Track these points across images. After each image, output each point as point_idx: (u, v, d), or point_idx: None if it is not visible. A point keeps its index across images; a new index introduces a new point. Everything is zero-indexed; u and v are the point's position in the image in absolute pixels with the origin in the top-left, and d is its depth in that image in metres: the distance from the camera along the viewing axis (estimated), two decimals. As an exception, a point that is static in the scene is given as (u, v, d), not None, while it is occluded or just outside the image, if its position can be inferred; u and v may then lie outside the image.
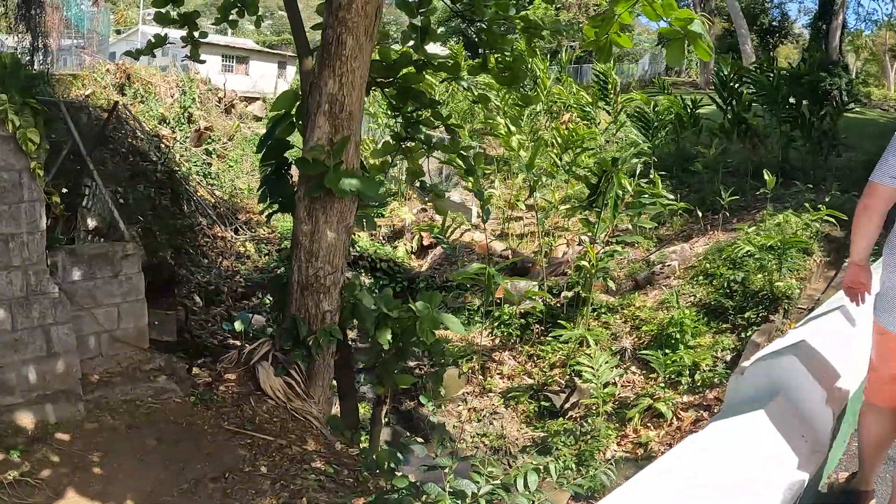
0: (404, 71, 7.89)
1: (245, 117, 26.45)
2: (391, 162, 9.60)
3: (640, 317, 10.54)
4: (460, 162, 9.22)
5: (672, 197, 11.67)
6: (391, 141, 9.35)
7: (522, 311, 11.98)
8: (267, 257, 15.48)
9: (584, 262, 10.75)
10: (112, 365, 6.15)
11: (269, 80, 35.56)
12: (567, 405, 9.70)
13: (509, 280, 12.52)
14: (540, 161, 16.20)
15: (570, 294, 11.54)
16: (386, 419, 10.49)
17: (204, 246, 14.28)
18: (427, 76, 8.87)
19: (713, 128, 14.82)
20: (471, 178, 10.40)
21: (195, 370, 6.93)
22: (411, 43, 7.81)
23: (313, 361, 6.65)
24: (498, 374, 11.04)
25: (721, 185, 13.36)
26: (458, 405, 10.55)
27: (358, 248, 15.49)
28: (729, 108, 14.53)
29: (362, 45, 6.06)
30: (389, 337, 6.67)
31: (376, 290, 12.48)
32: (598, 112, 17.44)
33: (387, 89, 8.49)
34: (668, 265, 11.96)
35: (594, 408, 8.99)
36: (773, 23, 30.62)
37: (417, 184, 10.02)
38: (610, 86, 16.81)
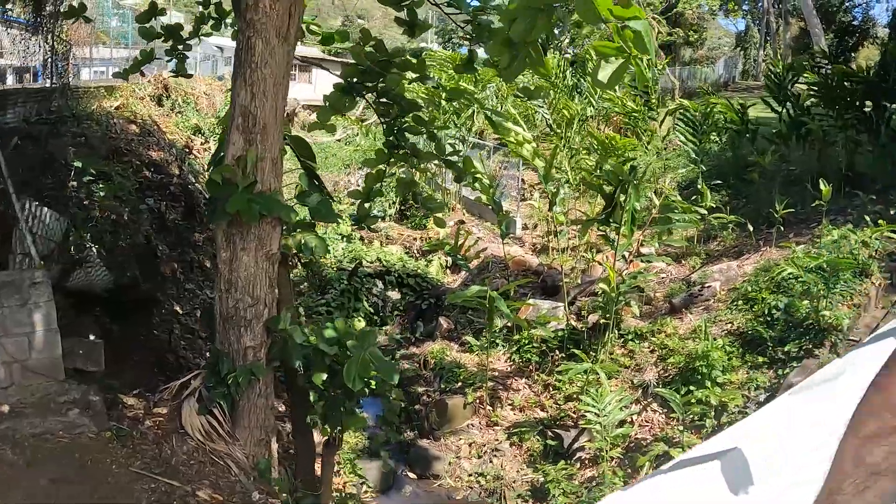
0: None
1: (306, 126, 26.51)
2: (384, 172, 8.86)
3: (669, 346, 9.34)
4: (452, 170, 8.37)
5: (705, 210, 10.36)
6: (384, 149, 8.66)
7: (544, 335, 10.96)
8: (294, 272, 14.99)
9: (603, 286, 9.65)
10: (25, 396, 5.64)
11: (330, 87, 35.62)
12: (575, 445, 8.64)
13: (530, 302, 11.55)
14: (573, 172, 15.16)
15: (594, 318, 10.44)
16: (387, 450, 9.83)
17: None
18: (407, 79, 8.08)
19: (768, 133, 13.36)
20: (477, 187, 9.52)
21: (132, 401, 6.34)
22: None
23: (237, 401, 5.96)
24: (509, 404, 10.06)
25: (779, 196, 11.94)
26: (461, 438, 9.64)
27: (384, 263, 14.82)
28: (784, 110, 13.05)
29: (274, 49, 5.41)
30: (325, 377, 5.94)
31: (352, 314, 11.83)
32: (644, 118, 16.21)
33: (368, 94, 7.82)
34: (709, 286, 10.66)
35: (603, 451, 7.90)
36: (854, 23, 28.27)
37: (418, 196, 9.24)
38: (650, 90, 15.56)
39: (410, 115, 7.49)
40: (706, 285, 10.72)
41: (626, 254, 10.18)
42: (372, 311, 14.10)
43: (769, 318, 8.82)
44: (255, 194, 5.51)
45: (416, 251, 16.73)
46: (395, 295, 14.57)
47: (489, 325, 9.67)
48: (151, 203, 12.33)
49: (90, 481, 5.10)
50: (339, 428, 6.62)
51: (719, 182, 14.70)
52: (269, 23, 5.32)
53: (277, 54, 5.43)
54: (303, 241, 6.68)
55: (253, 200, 5.44)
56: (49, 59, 11.85)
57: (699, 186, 12.45)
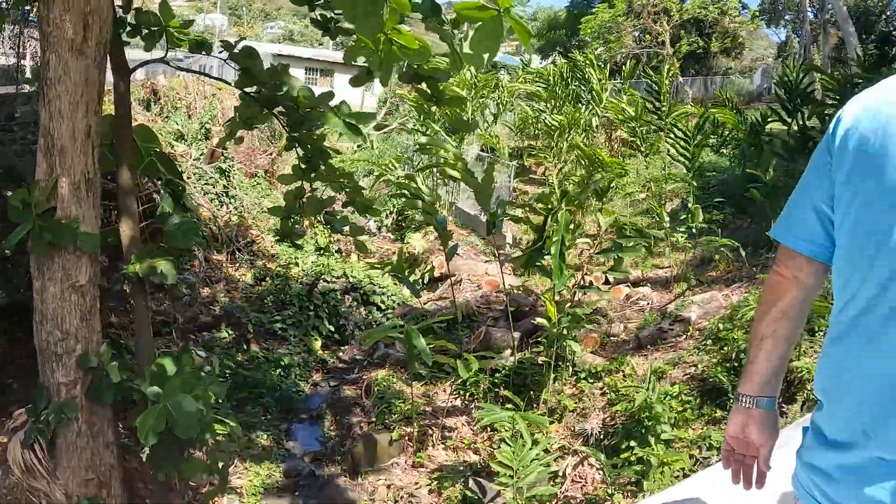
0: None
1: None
2: (303, 189, 7.89)
3: (620, 390, 8.00)
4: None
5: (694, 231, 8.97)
6: (300, 166, 7.73)
7: (494, 367, 9.72)
8: (263, 284, 14.09)
9: (542, 320, 8.39)
10: None
11: (356, 92, 35.01)
12: (498, 499, 7.37)
13: (481, 330, 10.35)
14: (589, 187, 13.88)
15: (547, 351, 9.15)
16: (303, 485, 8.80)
17: (185, 271, 13.08)
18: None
19: (776, 146, 11.85)
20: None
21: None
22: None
23: (55, 438, 5.24)
24: (442, 444, 8.84)
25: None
26: (381, 478, 8.48)
27: (351, 278, 13.77)
28: (794, 121, 11.54)
29: (67, 65, 4.78)
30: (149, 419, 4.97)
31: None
32: (644, 128, 14.79)
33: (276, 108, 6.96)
34: (682, 320, 9.27)
35: (518, 513, 6.65)
36: (895, 32, 26.15)
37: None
38: (662, 98, 14.13)
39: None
40: (678, 318, 9.34)
41: (570, 282, 8.85)
42: (332, 329, 13.06)
43: (736, 364, 7.41)
44: (50, 222, 4.85)
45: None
46: (360, 313, 13.49)
47: (409, 363, 8.43)
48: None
49: None
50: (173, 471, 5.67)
51: (721, 200, 13.22)
52: (60, 35, 4.73)
53: (72, 70, 4.83)
54: (152, 267, 5.79)
55: (45, 229, 4.79)
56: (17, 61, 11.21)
57: (688, 205, 11.04)
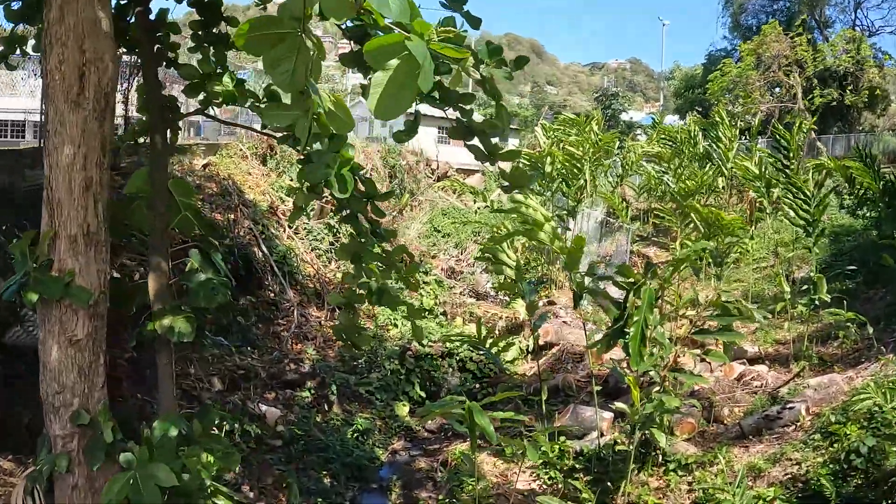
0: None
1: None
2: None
3: (709, 489, 7.04)
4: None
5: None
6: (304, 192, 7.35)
7: (580, 448, 9.00)
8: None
9: (622, 405, 7.63)
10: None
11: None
12: None
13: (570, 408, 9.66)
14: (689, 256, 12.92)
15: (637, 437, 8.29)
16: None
17: (280, 326, 13.41)
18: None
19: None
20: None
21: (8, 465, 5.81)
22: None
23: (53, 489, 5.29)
24: (516, 536, 8.19)
25: None
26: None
27: (447, 346, 13.46)
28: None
29: (63, 116, 4.76)
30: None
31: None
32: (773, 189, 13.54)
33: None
34: (792, 407, 8.13)
35: None
36: None
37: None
38: (792, 155, 12.91)
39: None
40: (789, 405, 8.19)
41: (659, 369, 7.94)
42: (424, 395, 12.76)
43: (845, 466, 6.31)
44: (44, 275, 4.79)
45: (498, 331, 15.18)
46: (455, 380, 13.13)
47: (472, 442, 7.80)
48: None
49: None
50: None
51: (853, 268, 11.74)
52: (56, 86, 4.73)
53: (69, 122, 4.79)
54: (169, 326, 5.73)
55: (39, 281, 4.71)
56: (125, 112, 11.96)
57: (811, 275, 9.85)
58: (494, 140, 6.25)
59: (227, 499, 5.47)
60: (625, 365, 10.29)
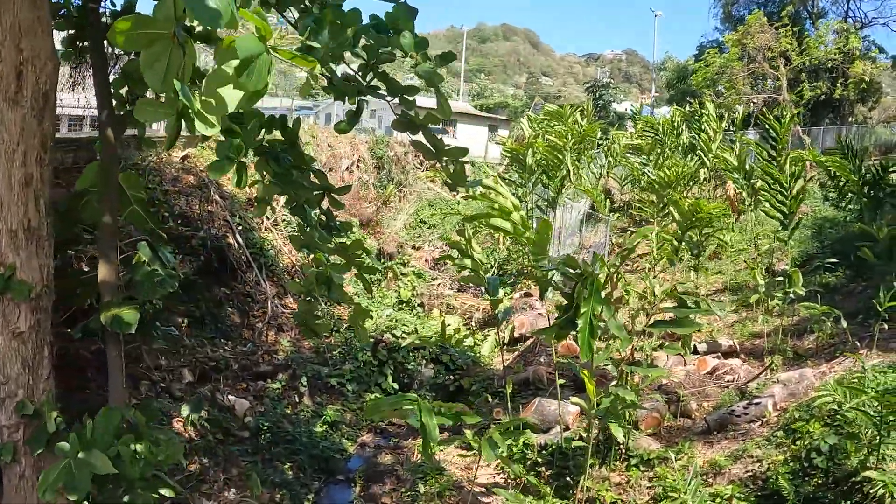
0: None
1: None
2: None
3: (670, 486, 6.82)
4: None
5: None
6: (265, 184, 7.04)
7: (545, 442, 8.79)
8: (334, 335, 13.91)
9: (579, 402, 7.40)
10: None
11: (480, 143, 34.92)
12: None
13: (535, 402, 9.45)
14: (664, 247, 12.70)
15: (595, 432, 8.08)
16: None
17: (252, 318, 13.17)
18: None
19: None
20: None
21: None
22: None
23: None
24: (474, 532, 7.98)
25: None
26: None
27: (420, 336, 13.26)
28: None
29: (2, 114, 4.77)
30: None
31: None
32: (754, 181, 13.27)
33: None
34: (759, 403, 7.92)
35: None
36: None
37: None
38: (780, 146, 12.63)
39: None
40: (756, 401, 7.98)
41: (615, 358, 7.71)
42: (397, 387, 12.54)
43: (806, 465, 6.10)
44: None
45: (475, 323, 14.97)
46: (428, 372, 12.91)
47: (423, 442, 7.43)
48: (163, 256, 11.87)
49: None
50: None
51: (835, 261, 11.52)
52: None
53: (7, 120, 4.80)
54: (114, 317, 5.60)
55: None
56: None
57: (787, 267, 9.63)
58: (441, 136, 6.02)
59: (169, 488, 5.55)
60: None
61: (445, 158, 5.94)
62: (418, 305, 15.78)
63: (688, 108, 18.06)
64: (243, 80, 2.86)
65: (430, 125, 5.73)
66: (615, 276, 6.83)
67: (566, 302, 6.86)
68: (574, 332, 6.64)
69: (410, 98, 5.69)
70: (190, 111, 2.92)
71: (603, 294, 6.51)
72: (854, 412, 5.96)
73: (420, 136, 5.83)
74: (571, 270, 6.77)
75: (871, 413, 5.42)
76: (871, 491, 5.26)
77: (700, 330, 11.26)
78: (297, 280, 12.54)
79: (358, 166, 24.51)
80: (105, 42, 6.05)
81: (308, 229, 6.77)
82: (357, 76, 5.59)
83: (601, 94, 43.47)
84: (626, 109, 45.83)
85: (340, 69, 5.73)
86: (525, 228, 8.23)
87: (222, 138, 4.85)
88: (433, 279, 17.76)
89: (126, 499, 4.97)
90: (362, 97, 5.72)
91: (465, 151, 5.97)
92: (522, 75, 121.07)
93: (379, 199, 23.21)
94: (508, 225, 8.20)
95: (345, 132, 6.08)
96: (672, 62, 50.84)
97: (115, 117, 5.94)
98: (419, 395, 12.49)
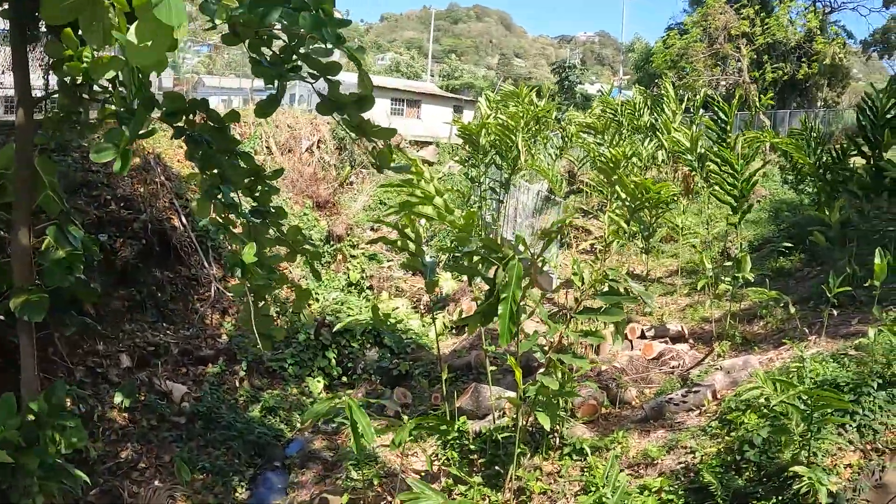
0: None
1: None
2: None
3: (598, 478, 6.47)
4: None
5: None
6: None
7: (479, 429, 8.41)
8: (279, 318, 13.39)
9: (502, 391, 7.02)
10: None
11: (444, 124, 34.33)
12: None
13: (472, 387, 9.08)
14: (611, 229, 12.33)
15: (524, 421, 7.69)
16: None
17: (196, 302, 12.61)
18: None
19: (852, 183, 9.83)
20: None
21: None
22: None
23: None
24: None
25: (854, 265, 8.65)
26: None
27: (361, 319, 12.80)
28: (875, 153, 9.55)
29: None
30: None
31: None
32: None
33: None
34: (698, 391, 7.61)
35: None
36: None
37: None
38: (728, 127, 12.33)
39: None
40: (695, 388, 7.67)
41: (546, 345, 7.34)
42: (341, 371, 12.10)
43: (738, 457, 5.78)
44: None
45: (423, 306, 14.55)
46: (373, 355, 12.48)
47: (354, 440, 6.94)
48: (104, 239, 11.25)
49: None
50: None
51: (790, 245, 11.27)
52: None
53: None
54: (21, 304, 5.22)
55: None
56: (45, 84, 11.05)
57: (737, 252, 9.33)
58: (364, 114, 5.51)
59: (74, 477, 5.48)
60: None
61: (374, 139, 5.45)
62: (367, 288, 15.31)
63: (654, 91, 17.70)
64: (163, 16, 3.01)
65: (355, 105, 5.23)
66: (539, 260, 6.38)
67: (488, 287, 6.47)
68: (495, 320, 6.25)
69: (333, 78, 5.18)
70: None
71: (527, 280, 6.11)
72: (784, 405, 5.65)
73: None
74: (493, 254, 6.35)
75: (802, 407, 5.09)
76: (798, 487, 4.94)
77: (651, 314, 10.97)
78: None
79: (318, 147, 23.86)
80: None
81: (230, 213, 6.21)
82: (279, 57, 5.07)
83: (567, 76, 43.01)
84: (597, 91, 45.53)
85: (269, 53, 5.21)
86: (449, 213, 7.78)
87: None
88: (389, 262, 17.29)
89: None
90: (284, 80, 5.19)
91: (392, 132, 5.49)
92: (495, 56, 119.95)
93: (336, 180, 22.62)
94: (431, 210, 7.76)
95: (264, 116, 5.56)
96: (640, 44, 50.52)
97: (31, 98, 5.44)
98: (360, 378, 12.11)
